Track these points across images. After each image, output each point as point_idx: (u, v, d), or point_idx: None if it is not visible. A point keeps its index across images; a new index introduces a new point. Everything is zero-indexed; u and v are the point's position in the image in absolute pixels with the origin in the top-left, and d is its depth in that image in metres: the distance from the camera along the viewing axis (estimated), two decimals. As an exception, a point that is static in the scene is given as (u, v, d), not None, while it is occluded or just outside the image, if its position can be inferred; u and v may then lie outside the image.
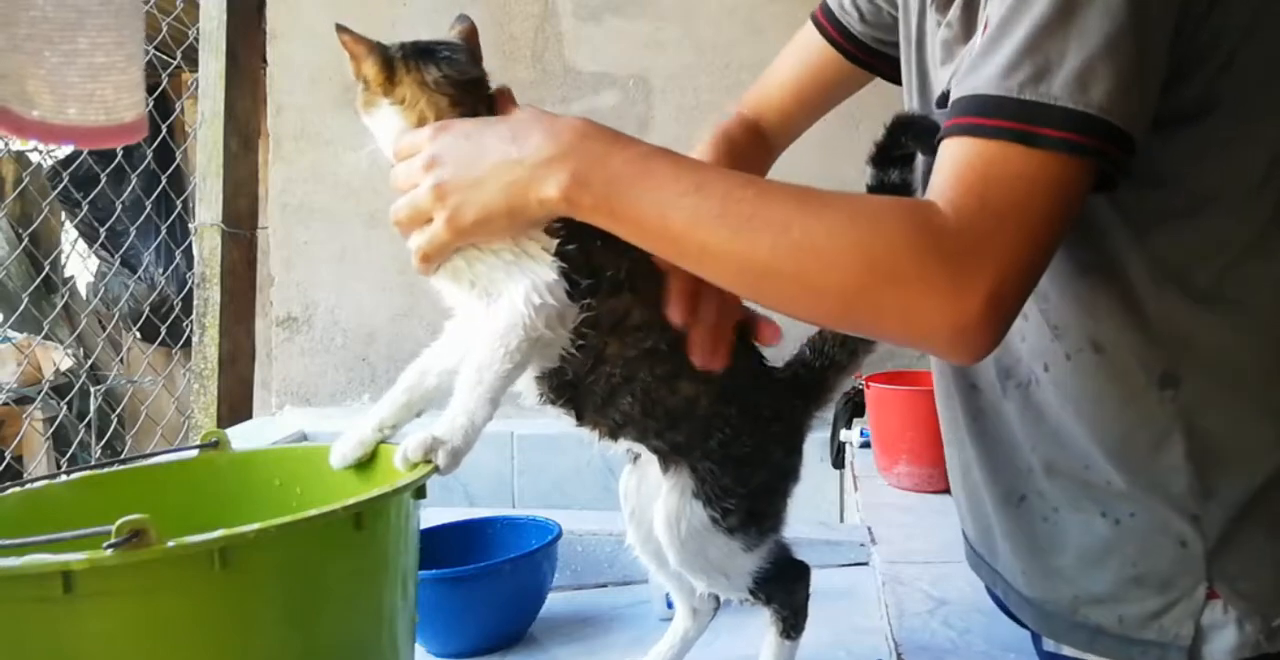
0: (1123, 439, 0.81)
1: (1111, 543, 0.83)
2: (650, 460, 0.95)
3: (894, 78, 1.07)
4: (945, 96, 0.83)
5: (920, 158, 0.93)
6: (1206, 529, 0.79)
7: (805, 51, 1.14)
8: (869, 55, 1.10)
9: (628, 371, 0.86)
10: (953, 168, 0.71)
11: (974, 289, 0.67)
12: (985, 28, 0.77)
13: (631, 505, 0.99)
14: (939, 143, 0.73)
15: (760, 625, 0.99)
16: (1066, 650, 0.88)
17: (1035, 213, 0.69)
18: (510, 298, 0.80)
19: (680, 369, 0.87)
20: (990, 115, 0.70)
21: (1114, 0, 0.68)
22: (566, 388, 0.87)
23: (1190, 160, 0.77)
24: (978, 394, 0.92)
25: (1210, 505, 0.79)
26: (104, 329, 3.62)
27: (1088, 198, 0.71)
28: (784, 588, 0.97)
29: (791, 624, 0.98)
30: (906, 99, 1.01)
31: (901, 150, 0.90)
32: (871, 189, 0.91)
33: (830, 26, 1.11)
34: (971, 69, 0.73)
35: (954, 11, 0.86)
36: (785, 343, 0.98)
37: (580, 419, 0.89)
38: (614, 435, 0.90)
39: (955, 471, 1.01)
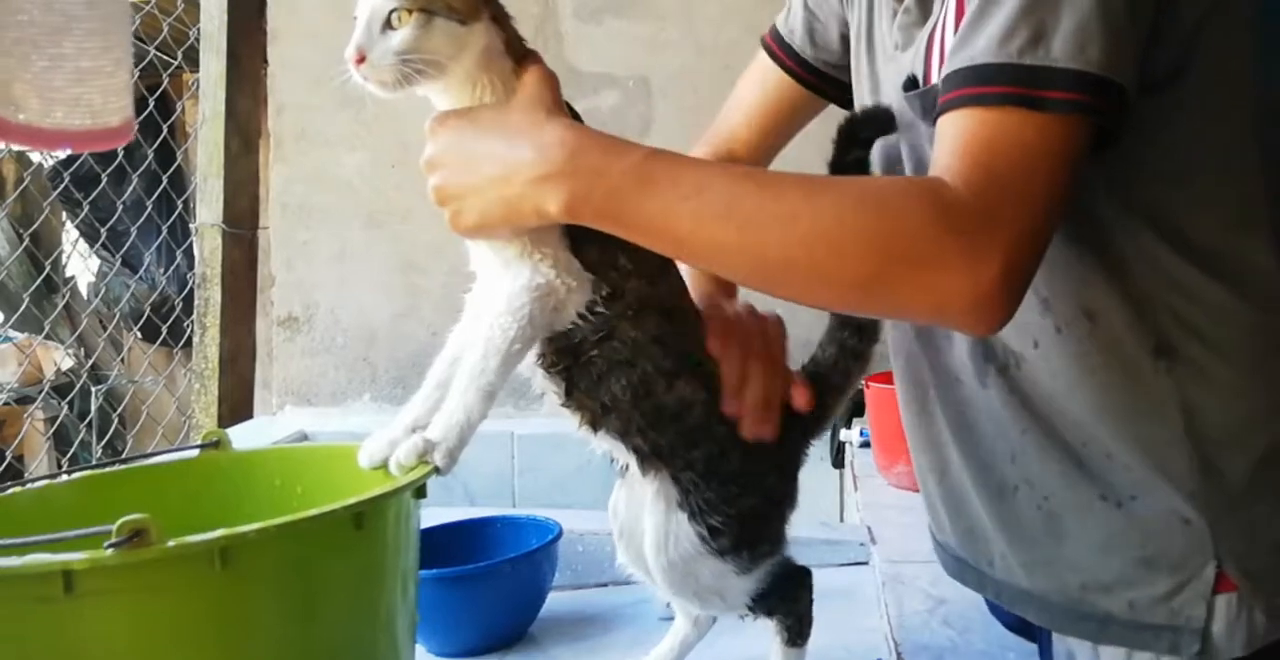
0: (1120, 411, 0.81)
1: (1115, 527, 0.82)
2: (639, 475, 0.94)
3: (843, 102, 1.09)
4: (912, 80, 0.84)
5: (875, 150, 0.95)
6: (1208, 506, 0.79)
7: (762, 80, 1.14)
8: (818, 79, 1.11)
9: (632, 354, 0.85)
10: (956, 141, 0.71)
11: (989, 260, 0.68)
12: (957, 5, 0.77)
13: (620, 522, 0.98)
14: (937, 118, 0.74)
15: (761, 626, 0.99)
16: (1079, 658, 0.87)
17: (1042, 179, 0.70)
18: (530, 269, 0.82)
19: (683, 368, 0.87)
20: (992, 83, 0.70)
21: None
22: (567, 353, 0.85)
23: (1168, 125, 0.77)
24: (956, 386, 0.91)
25: (1210, 481, 0.79)
26: (105, 329, 3.62)
27: (1086, 159, 0.72)
28: (786, 597, 0.96)
29: (797, 632, 0.97)
30: (857, 101, 1.02)
31: (855, 153, 0.93)
32: None
33: (780, 51, 1.12)
34: (962, 42, 0.73)
35: None
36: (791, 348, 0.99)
37: (568, 395, 0.87)
38: (595, 425, 0.88)
39: (930, 475, 0.99)
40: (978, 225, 0.68)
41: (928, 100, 0.81)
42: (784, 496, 0.96)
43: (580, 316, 0.83)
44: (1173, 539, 0.80)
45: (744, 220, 0.72)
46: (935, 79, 0.81)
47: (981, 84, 0.71)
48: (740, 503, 0.90)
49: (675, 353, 0.87)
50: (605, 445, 0.91)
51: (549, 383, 0.87)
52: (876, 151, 0.93)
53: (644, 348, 0.86)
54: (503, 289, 0.82)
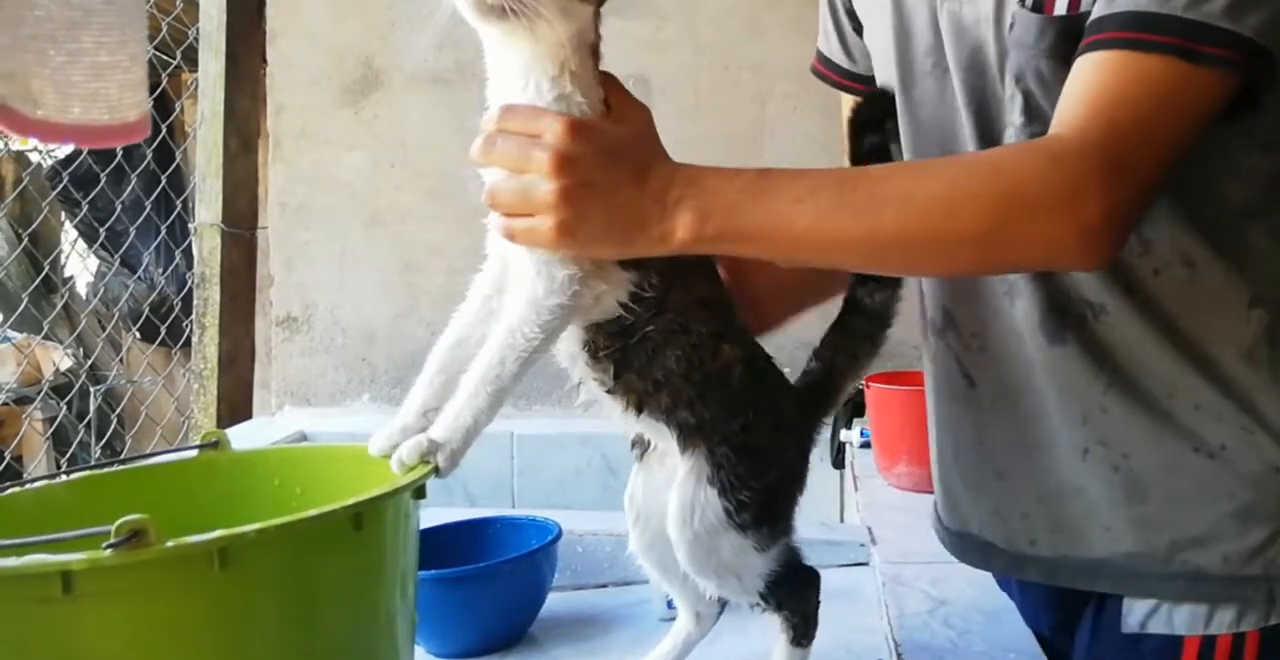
0: (1212, 359, 0.82)
1: (1207, 478, 0.83)
2: (657, 457, 0.94)
3: None
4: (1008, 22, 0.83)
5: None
6: None
7: (840, 104, 1.15)
8: (868, 87, 1.10)
9: (685, 321, 0.86)
10: (1102, 79, 0.74)
11: (1098, 196, 0.71)
12: None
13: (637, 510, 0.98)
14: (1080, 53, 0.76)
15: (763, 626, 0.99)
16: (1152, 627, 0.86)
17: (1174, 126, 0.73)
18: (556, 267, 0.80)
19: (726, 328, 0.89)
20: (1153, 31, 0.73)
21: None
22: (619, 335, 0.85)
23: None
24: (1018, 349, 0.90)
25: None
26: (104, 329, 3.62)
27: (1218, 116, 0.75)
28: (795, 594, 0.96)
29: (802, 632, 0.97)
30: (883, 61, 0.99)
31: (870, 140, 0.94)
32: None
33: (829, 72, 1.13)
34: None
35: None
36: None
37: (616, 379, 0.87)
38: (642, 405, 0.88)
39: (960, 456, 0.99)
40: (1096, 163, 0.71)
41: (1067, 27, 0.79)
42: (799, 474, 0.97)
43: (624, 306, 0.84)
44: (1266, 487, 0.81)
45: (860, 207, 0.75)
46: (1059, 9, 0.80)
47: (1143, 30, 0.73)
48: (767, 476, 0.91)
49: (718, 312, 0.89)
50: (642, 428, 0.92)
51: (592, 370, 0.87)
52: (963, 69, 0.90)
53: (693, 311, 0.87)
54: (528, 291, 0.80)
